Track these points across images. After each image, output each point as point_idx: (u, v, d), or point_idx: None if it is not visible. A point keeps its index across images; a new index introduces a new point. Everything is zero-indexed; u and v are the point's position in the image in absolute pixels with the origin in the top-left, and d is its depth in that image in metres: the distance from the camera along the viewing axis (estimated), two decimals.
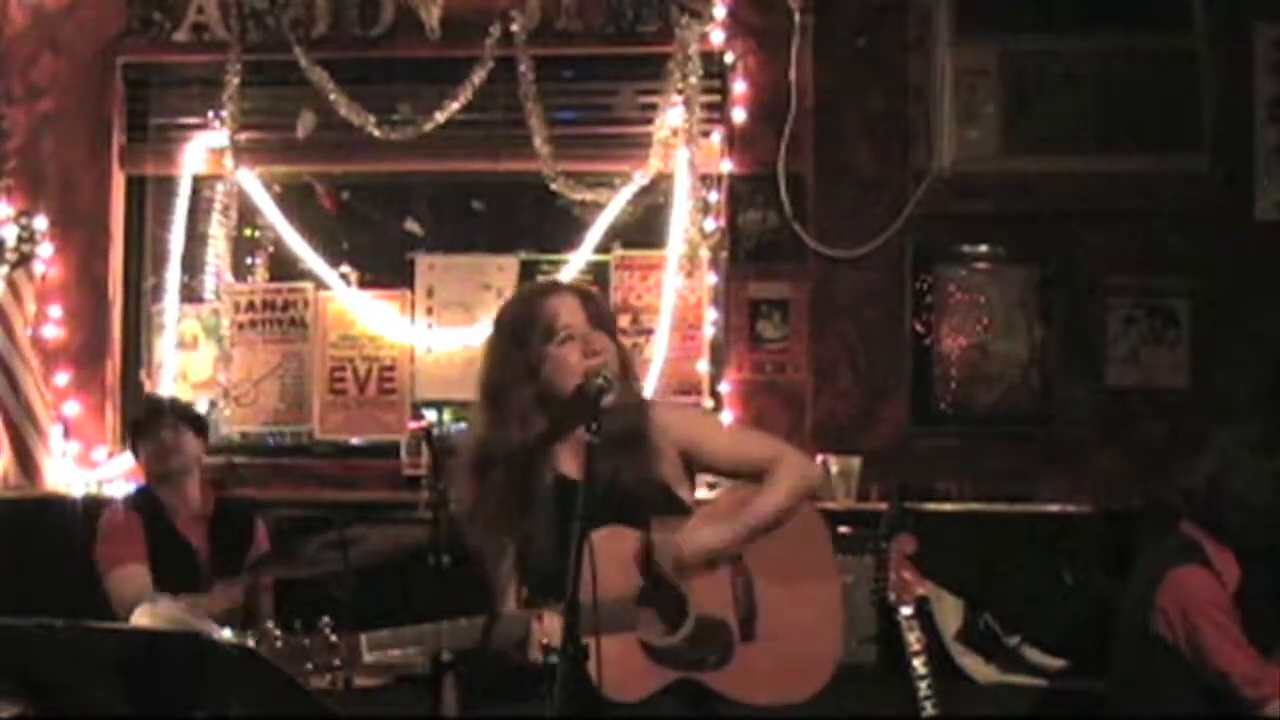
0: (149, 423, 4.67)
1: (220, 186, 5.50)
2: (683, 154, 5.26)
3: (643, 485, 3.19)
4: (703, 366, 5.34)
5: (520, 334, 3.25)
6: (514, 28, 5.29)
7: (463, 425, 5.61)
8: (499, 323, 3.37)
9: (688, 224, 5.26)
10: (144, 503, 4.63)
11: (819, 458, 4.98)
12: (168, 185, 5.57)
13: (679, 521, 3.19)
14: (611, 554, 3.05)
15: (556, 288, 3.44)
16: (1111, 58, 4.81)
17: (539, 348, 3.21)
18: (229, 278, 5.53)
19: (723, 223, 5.30)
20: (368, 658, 3.07)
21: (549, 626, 3.02)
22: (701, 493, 3.57)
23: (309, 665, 3.05)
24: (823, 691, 3.26)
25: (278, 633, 3.06)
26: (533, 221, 5.64)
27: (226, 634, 3.90)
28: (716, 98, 5.35)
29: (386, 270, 5.63)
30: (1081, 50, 4.83)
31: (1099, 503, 4.92)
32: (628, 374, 3.30)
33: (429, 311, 5.53)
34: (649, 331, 5.36)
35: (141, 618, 3.95)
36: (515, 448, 3.22)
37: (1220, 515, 3.69)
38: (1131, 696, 3.77)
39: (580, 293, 3.35)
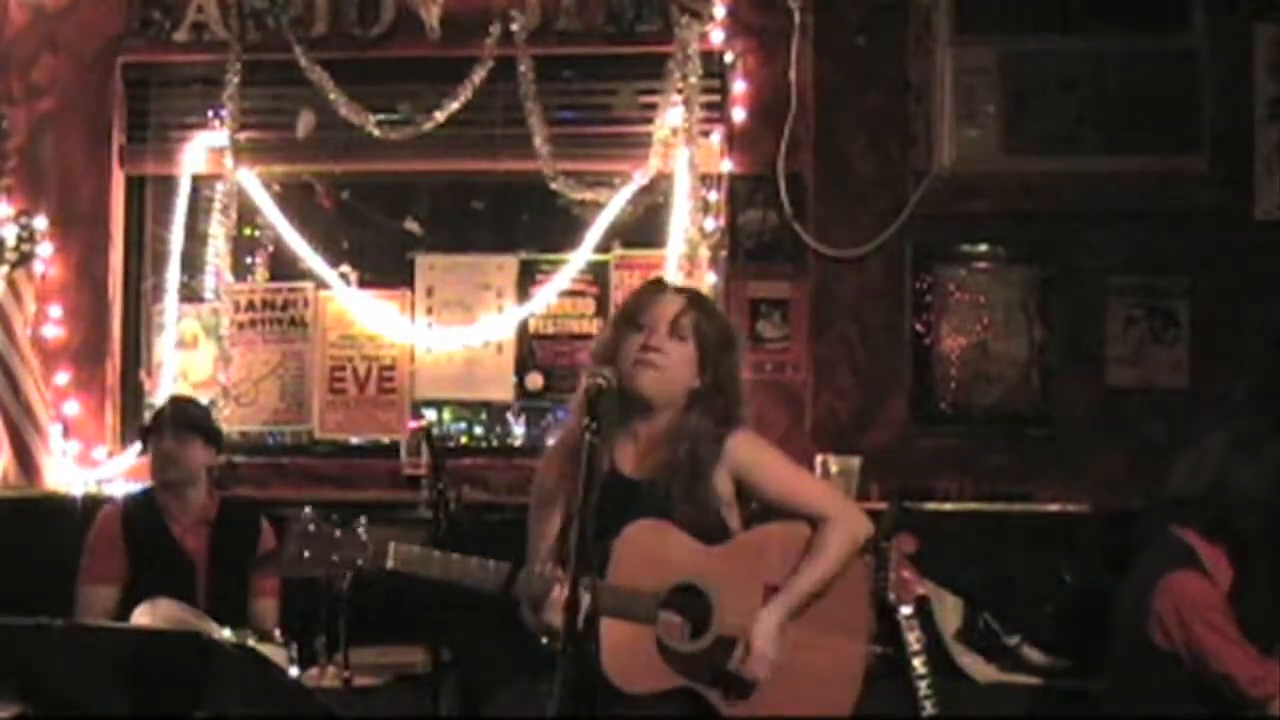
0: (155, 428, 4.62)
1: (220, 186, 5.49)
2: (683, 154, 5.26)
3: (689, 498, 3.20)
4: None
5: (618, 319, 3.37)
6: (514, 27, 5.29)
7: (462, 425, 5.65)
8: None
9: (688, 224, 5.26)
10: (141, 507, 4.60)
11: (819, 458, 4.98)
12: (168, 185, 5.57)
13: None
14: (650, 545, 3.11)
15: (668, 288, 3.43)
16: (1111, 58, 4.81)
17: (621, 334, 3.29)
18: (229, 277, 5.53)
19: (723, 222, 5.30)
20: (390, 564, 3.06)
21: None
22: None
23: (335, 556, 3.05)
24: None
25: (312, 516, 3.08)
26: (533, 221, 5.65)
27: (226, 634, 3.91)
28: (716, 97, 5.35)
29: (386, 270, 5.63)
30: (1082, 50, 4.82)
31: (1099, 503, 4.92)
32: (710, 398, 3.26)
33: (429, 311, 5.53)
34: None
35: (141, 618, 3.95)
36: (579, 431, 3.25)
37: (1227, 519, 3.69)
38: (1129, 702, 3.77)
39: (690, 300, 3.34)
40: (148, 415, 5.28)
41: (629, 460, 3.28)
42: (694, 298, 3.38)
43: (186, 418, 4.65)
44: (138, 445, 5.28)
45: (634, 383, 3.19)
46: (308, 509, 3.13)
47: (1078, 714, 4.35)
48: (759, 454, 3.33)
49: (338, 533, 3.07)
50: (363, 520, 3.10)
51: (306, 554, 3.07)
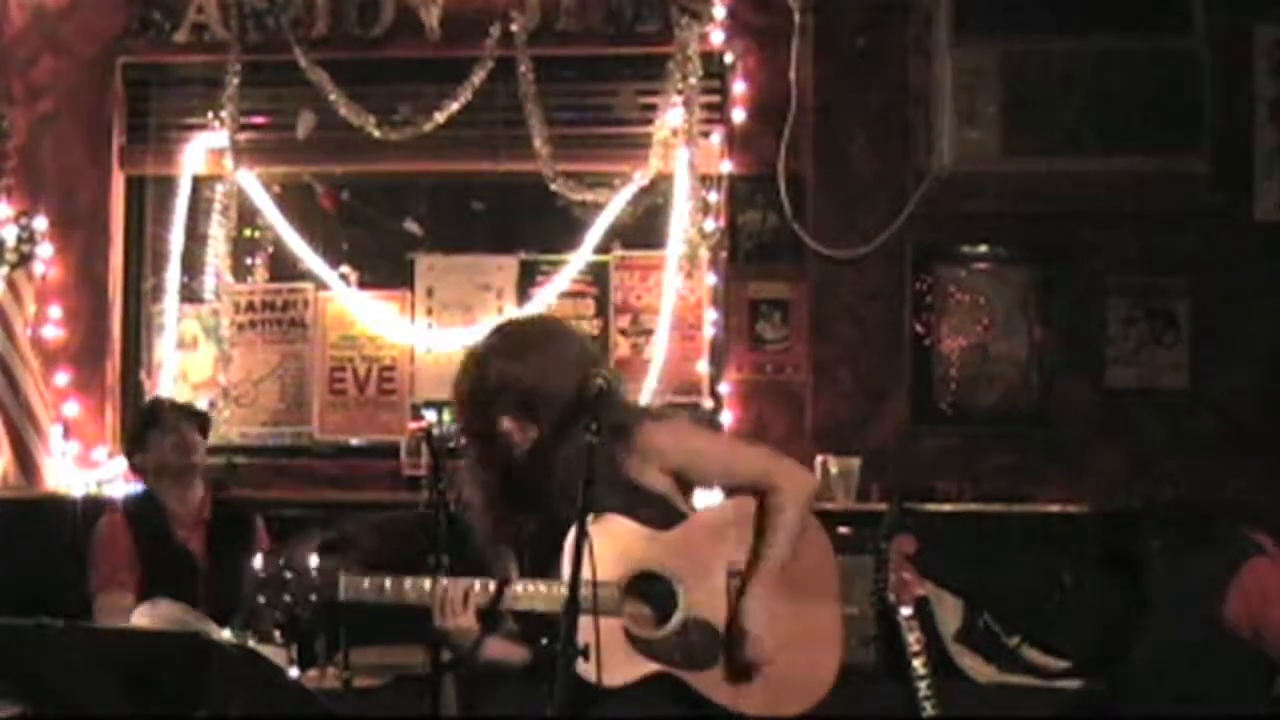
0: (164, 418, 4.62)
1: (220, 186, 5.50)
2: (683, 154, 5.26)
3: (625, 493, 3.19)
4: (702, 367, 5.35)
5: None
6: (514, 28, 5.29)
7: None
8: None
9: (687, 224, 5.26)
10: (142, 508, 4.59)
11: (819, 458, 4.98)
12: (168, 185, 5.57)
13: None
14: (604, 539, 3.08)
15: (458, 370, 3.34)
16: (1111, 58, 4.81)
17: None
18: (229, 278, 5.53)
19: (722, 223, 5.31)
20: (341, 595, 3.12)
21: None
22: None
23: (288, 597, 3.13)
24: (814, 708, 3.25)
25: (261, 564, 3.16)
26: (533, 221, 5.64)
27: (226, 634, 3.91)
28: (716, 98, 5.36)
29: (386, 270, 5.63)
30: (1081, 50, 4.82)
31: (1099, 503, 4.92)
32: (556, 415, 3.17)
33: (429, 311, 5.53)
34: (649, 332, 5.36)
35: (141, 618, 3.95)
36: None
37: None
38: (1182, 690, 3.73)
39: (464, 373, 3.27)
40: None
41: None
42: (465, 365, 3.28)
43: (185, 407, 4.74)
44: (131, 449, 5.29)
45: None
46: (257, 557, 3.21)
47: (1078, 714, 4.34)
48: (680, 439, 3.30)
49: (288, 574, 3.14)
50: (314, 554, 3.17)
51: (261, 599, 3.16)
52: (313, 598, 3.13)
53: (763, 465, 3.33)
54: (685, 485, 3.32)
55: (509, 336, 3.34)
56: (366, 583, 3.13)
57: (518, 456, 3.20)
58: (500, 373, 3.20)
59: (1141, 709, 3.75)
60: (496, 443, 3.21)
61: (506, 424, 3.19)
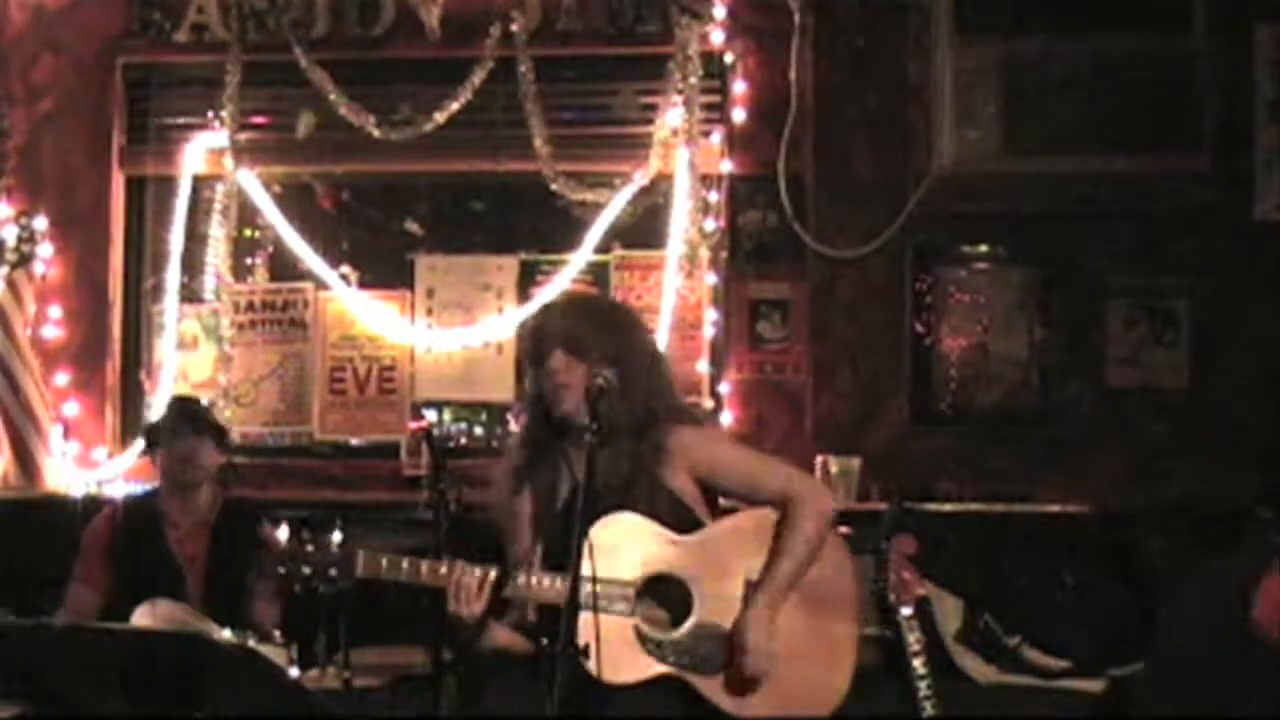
0: (176, 427, 4.54)
1: (220, 186, 5.50)
2: (683, 154, 5.26)
3: (651, 496, 3.22)
4: (703, 367, 5.35)
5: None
6: (514, 28, 5.29)
7: (462, 425, 5.65)
8: None
9: (688, 224, 5.26)
10: (140, 511, 4.56)
11: (819, 458, 4.99)
12: (168, 185, 5.58)
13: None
14: (622, 539, 3.13)
15: (539, 311, 3.44)
16: (1111, 58, 4.81)
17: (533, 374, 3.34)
18: (229, 278, 5.53)
19: (723, 223, 5.31)
20: (359, 572, 3.15)
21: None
22: None
23: (307, 570, 3.15)
24: None
25: (287, 536, 3.20)
26: (533, 221, 5.65)
27: (226, 634, 3.91)
28: (716, 98, 5.36)
29: (386, 270, 5.63)
30: (1081, 50, 4.82)
31: (1099, 503, 4.92)
32: (623, 392, 3.19)
33: (429, 312, 5.53)
34: (648, 332, 5.35)
35: (142, 618, 3.95)
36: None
37: None
38: (1198, 693, 3.72)
39: (551, 312, 3.39)
40: (148, 416, 5.30)
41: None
42: (554, 308, 3.39)
43: (199, 418, 4.62)
44: (138, 446, 5.29)
45: (557, 411, 3.25)
46: (284, 528, 3.25)
47: (1078, 714, 4.34)
48: (710, 445, 3.38)
49: (309, 548, 3.17)
50: (336, 532, 3.19)
51: (282, 570, 3.18)
52: (332, 573, 3.15)
53: (786, 481, 3.35)
54: (709, 494, 3.34)
55: (579, 302, 3.53)
56: (384, 561, 3.15)
57: (560, 409, 3.22)
58: (562, 325, 3.27)
59: (1154, 711, 3.74)
60: (544, 388, 3.24)
61: (559, 359, 3.22)
